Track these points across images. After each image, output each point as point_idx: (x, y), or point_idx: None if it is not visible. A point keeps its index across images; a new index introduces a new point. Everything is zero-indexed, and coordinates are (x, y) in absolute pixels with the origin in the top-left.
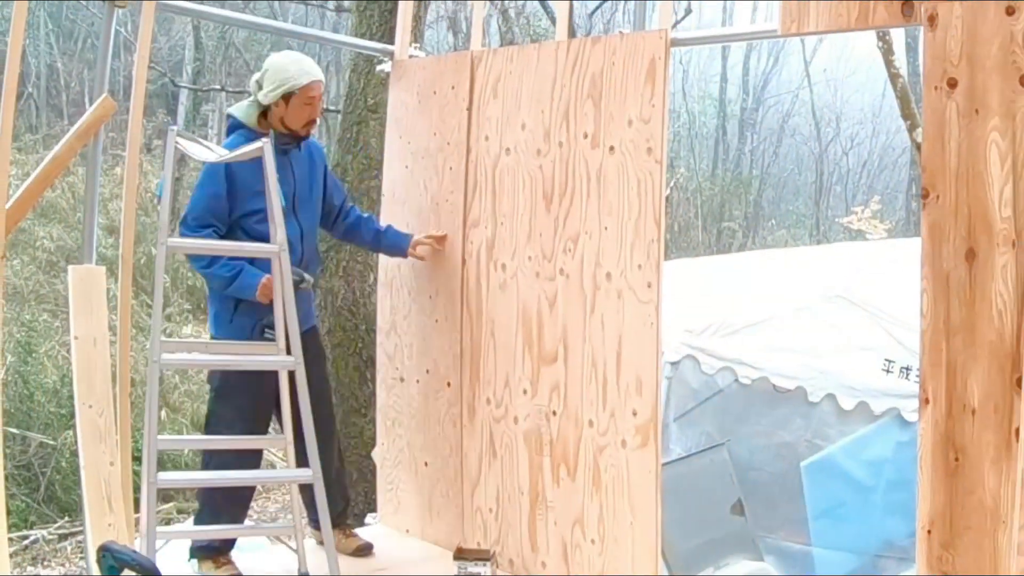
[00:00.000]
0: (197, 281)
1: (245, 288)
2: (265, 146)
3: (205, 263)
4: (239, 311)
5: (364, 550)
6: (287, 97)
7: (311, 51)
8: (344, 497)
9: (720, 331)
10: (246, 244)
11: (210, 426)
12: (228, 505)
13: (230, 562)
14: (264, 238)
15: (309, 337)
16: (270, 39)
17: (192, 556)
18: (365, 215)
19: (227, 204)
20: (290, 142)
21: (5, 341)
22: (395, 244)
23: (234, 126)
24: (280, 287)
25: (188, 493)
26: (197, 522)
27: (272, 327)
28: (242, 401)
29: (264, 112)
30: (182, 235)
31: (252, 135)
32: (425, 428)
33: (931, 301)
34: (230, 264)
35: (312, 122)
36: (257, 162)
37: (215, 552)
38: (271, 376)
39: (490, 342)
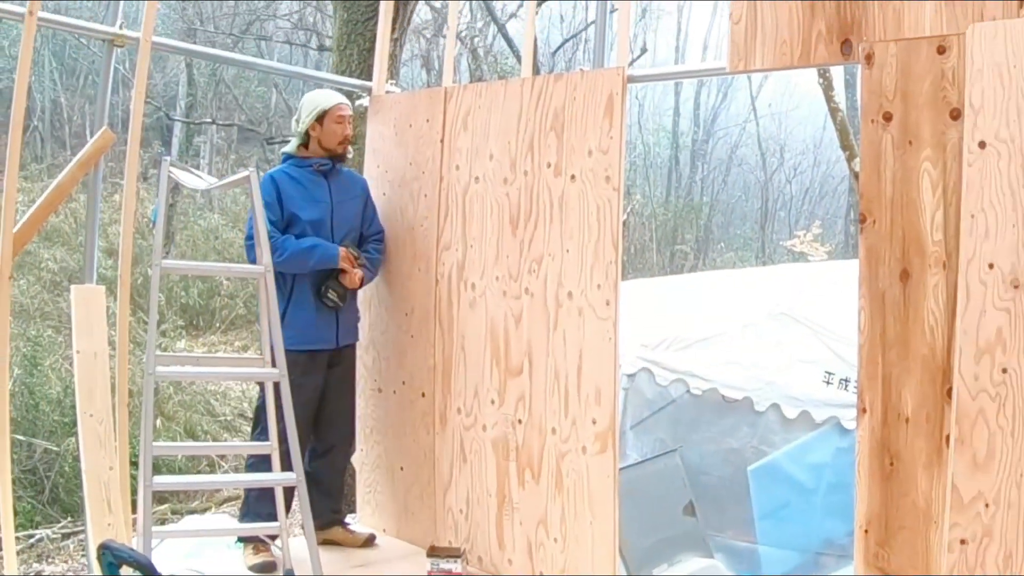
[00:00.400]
0: (190, 300)
1: (329, 258)
2: (251, 174)
3: (278, 255)
4: (292, 307)
5: (371, 541)
6: (320, 119)
7: (295, 87)
8: (349, 500)
9: (673, 346)
10: (233, 265)
11: (259, 423)
12: (265, 503)
13: (267, 550)
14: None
15: (350, 351)
16: (257, 76)
17: (238, 541)
18: (371, 245)
19: (279, 209)
20: (328, 165)
21: (12, 355)
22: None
23: (284, 159)
24: (267, 307)
25: (182, 495)
26: (242, 518)
27: (333, 290)
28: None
29: (306, 144)
30: (247, 246)
31: (298, 161)
32: (401, 435)
33: (868, 318)
34: (303, 241)
35: (346, 140)
36: (297, 183)
37: (257, 540)
38: (308, 386)
39: (460, 356)
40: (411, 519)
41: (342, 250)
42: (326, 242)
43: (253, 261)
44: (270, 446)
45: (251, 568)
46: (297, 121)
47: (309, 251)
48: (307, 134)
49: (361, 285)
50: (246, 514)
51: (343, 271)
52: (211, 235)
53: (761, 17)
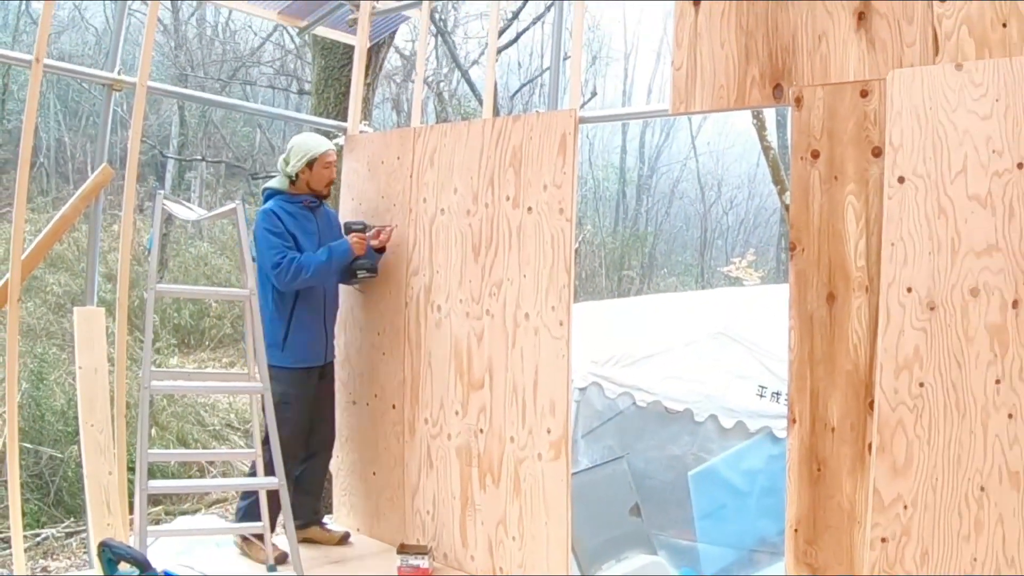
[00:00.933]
0: (182, 320)
1: (344, 253)
2: (237, 207)
3: (305, 273)
4: (291, 331)
5: (346, 539)
6: (311, 164)
7: (277, 127)
8: (326, 502)
9: (621, 362)
10: (221, 289)
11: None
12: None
13: (276, 548)
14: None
15: (331, 367)
16: (243, 117)
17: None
18: None
19: (289, 236)
20: (315, 202)
21: (20, 370)
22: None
23: (270, 195)
24: (251, 328)
25: (174, 498)
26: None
27: (364, 268)
28: (290, 414)
29: (292, 181)
30: (277, 277)
31: (288, 197)
32: (373, 443)
33: (798, 337)
34: (318, 255)
35: (331, 183)
36: (291, 216)
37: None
38: (306, 398)
39: (428, 371)
40: (383, 519)
41: (351, 239)
42: (333, 244)
43: (306, 279)
44: (254, 453)
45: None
46: (286, 161)
47: (328, 261)
48: (297, 175)
49: (388, 240)
50: (245, 515)
51: (361, 251)
52: (201, 262)
53: (700, 64)
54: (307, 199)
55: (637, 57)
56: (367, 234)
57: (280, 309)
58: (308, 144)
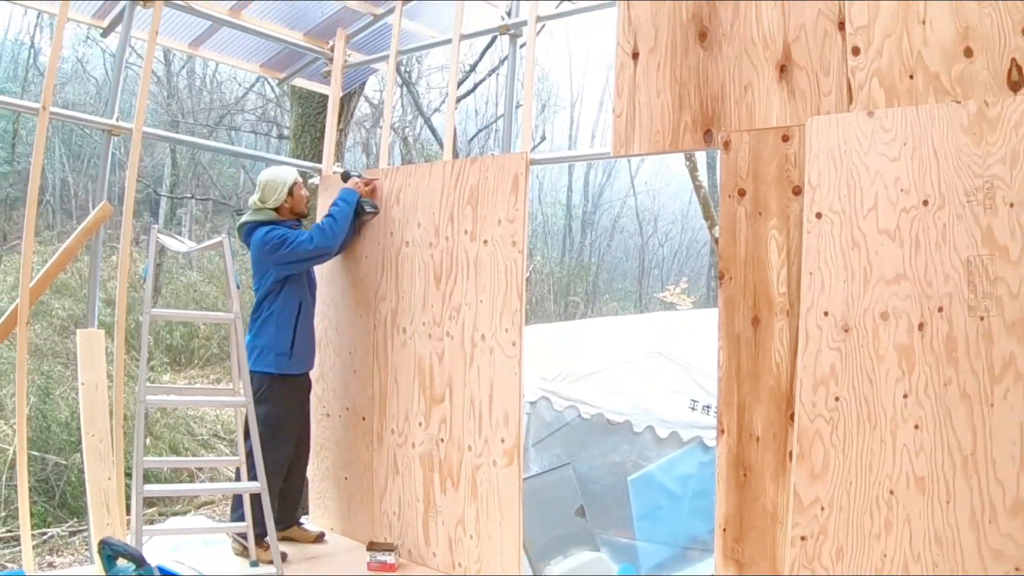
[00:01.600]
0: (174, 341)
1: (353, 194)
2: (224, 239)
3: (339, 225)
4: (296, 340)
5: (321, 537)
6: (291, 191)
7: (258, 169)
8: (304, 503)
9: (567, 378)
10: (209, 313)
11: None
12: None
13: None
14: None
15: (306, 378)
16: (228, 159)
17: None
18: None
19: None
20: (299, 224)
21: (28, 386)
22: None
23: (255, 227)
24: (236, 348)
25: (167, 500)
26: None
27: (370, 205)
28: (285, 432)
29: (277, 211)
30: (321, 244)
31: (278, 223)
32: (345, 451)
33: (726, 356)
34: (331, 218)
35: (308, 201)
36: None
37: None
38: (296, 407)
39: (394, 387)
40: (354, 520)
41: (353, 183)
42: (341, 192)
43: (331, 243)
44: (239, 460)
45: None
46: (262, 200)
47: (345, 216)
48: (279, 210)
49: (374, 191)
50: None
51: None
52: (191, 289)
53: (639, 111)
54: (292, 223)
55: (582, 105)
56: (361, 179)
57: (286, 318)
58: (281, 175)
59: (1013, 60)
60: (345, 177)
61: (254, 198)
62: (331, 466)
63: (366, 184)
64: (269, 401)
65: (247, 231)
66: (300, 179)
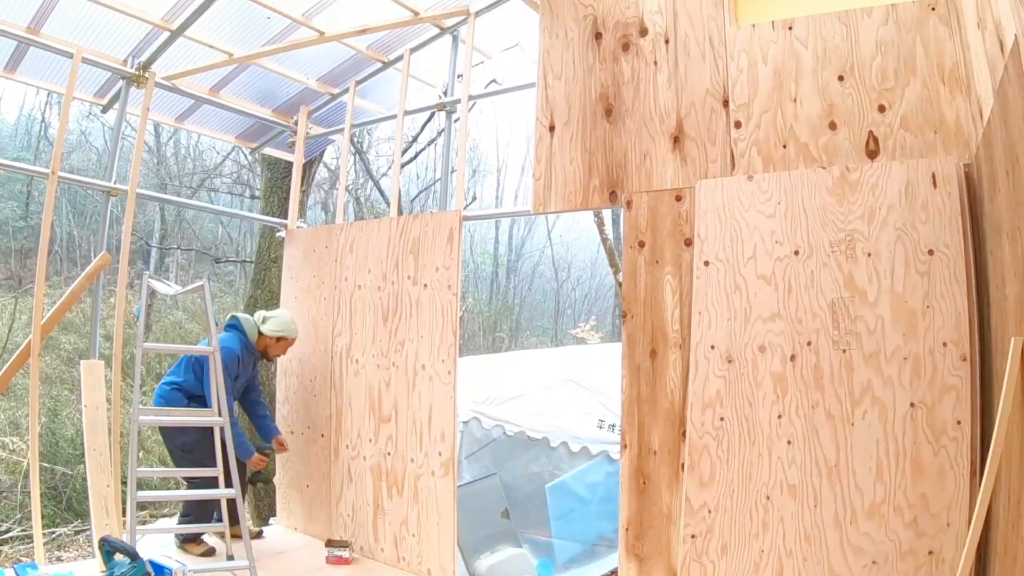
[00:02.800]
0: (163, 369)
1: (244, 454)
2: (204, 284)
3: (233, 428)
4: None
5: (260, 534)
6: (280, 339)
7: (234, 225)
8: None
9: (494, 402)
10: (192, 347)
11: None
12: (201, 509)
13: (204, 543)
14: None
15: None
16: (208, 216)
17: (180, 544)
18: (260, 402)
19: (236, 370)
20: (261, 356)
21: (40, 408)
22: (264, 431)
23: (234, 326)
24: (215, 381)
25: (157, 505)
26: (181, 521)
27: (260, 480)
28: (201, 447)
29: (260, 335)
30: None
31: (249, 343)
32: (307, 463)
33: (628, 383)
34: (240, 434)
35: (278, 356)
36: (247, 360)
37: (194, 538)
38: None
39: (348, 409)
40: (314, 520)
41: (253, 458)
42: (245, 445)
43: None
44: (219, 471)
45: (200, 555)
46: (264, 319)
47: (239, 443)
48: (265, 336)
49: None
50: (190, 521)
51: (256, 468)
52: (177, 326)
53: (555, 175)
54: (260, 355)
55: (507, 170)
56: (267, 454)
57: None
58: (290, 326)
59: (870, 132)
60: (259, 448)
61: (264, 313)
62: (295, 476)
63: (262, 459)
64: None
65: (233, 322)
66: (292, 342)
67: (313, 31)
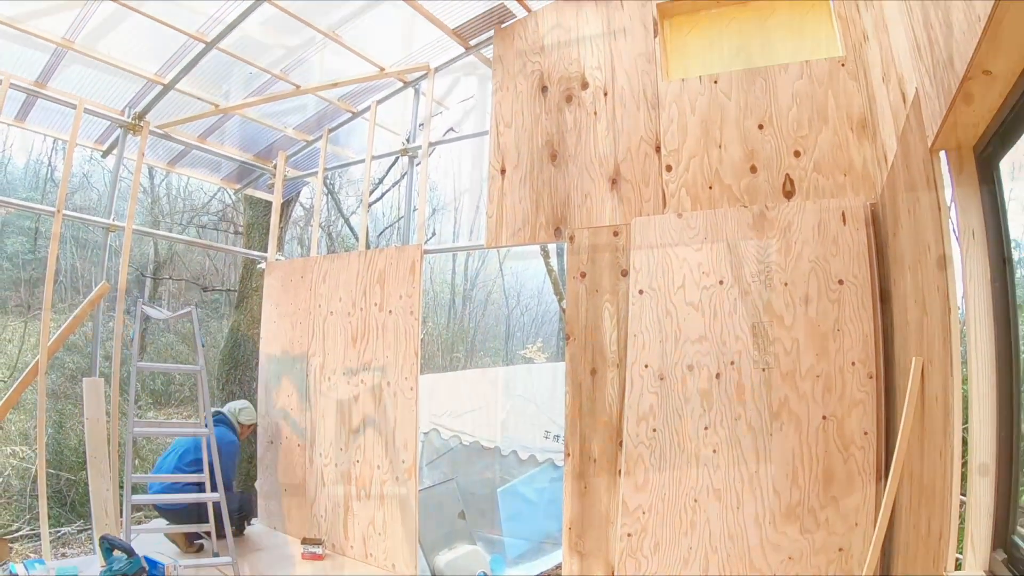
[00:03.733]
0: (156, 386)
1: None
2: (192, 310)
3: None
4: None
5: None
6: (252, 425)
7: (219, 257)
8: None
9: (452, 414)
10: (182, 366)
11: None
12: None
13: (193, 544)
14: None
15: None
16: (197, 250)
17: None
18: None
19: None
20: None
21: (47, 420)
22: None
23: (224, 422)
24: (201, 395)
25: (150, 507)
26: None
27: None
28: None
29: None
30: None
31: (234, 431)
32: (286, 470)
33: (571, 398)
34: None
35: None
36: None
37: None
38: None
39: (322, 421)
40: (292, 521)
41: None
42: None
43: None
44: (203, 475)
45: (189, 553)
46: (237, 414)
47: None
48: (243, 425)
49: None
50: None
51: None
52: (169, 348)
53: (505, 213)
54: (238, 442)
55: (462, 208)
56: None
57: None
58: (255, 414)
59: (787, 175)
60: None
61: (234, 406)
62: (275, 481)
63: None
64: None
65: (222, 419)
66: (254, 427)
67: (290, 84)
